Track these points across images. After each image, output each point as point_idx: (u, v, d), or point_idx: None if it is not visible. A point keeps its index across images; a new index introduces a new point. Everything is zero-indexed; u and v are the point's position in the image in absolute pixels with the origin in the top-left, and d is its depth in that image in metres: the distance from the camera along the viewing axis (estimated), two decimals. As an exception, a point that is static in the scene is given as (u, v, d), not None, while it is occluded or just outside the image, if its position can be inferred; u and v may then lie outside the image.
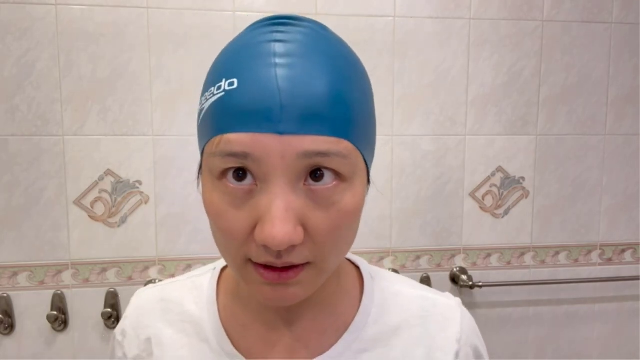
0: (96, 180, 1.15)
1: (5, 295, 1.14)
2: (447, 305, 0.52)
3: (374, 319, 0.49)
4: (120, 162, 1.16)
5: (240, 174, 0.38)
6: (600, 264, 1.36)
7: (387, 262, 1.27)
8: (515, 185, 1.31)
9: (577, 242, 1.35)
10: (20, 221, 1.14)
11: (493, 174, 1.30)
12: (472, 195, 1.29)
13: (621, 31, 1.30)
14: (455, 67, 1.25)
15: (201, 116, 0.41)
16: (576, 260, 1.35)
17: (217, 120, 0.38)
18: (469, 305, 1.31)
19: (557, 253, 1.34)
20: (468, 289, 1.28)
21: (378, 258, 1.27)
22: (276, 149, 0.36)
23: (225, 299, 0.51)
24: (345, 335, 0.47)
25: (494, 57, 1.26)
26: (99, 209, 1.16)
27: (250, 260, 0.39)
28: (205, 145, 0.40)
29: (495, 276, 1.31)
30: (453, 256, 1.30)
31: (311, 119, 0.36)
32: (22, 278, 1.15)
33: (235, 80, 0.37)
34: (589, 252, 1.36)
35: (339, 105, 0.37)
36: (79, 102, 1.13)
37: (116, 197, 1.16)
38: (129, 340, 0.51)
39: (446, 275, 1.30)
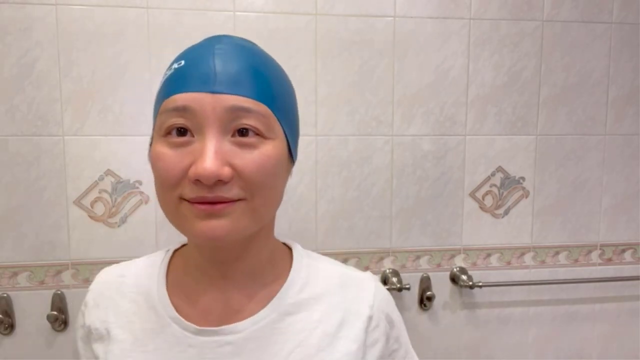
0: (96, 180, 1.15)
1: (5, 295, 1.14)
2: (363, 278, 0.61)
3: (299, 288, 0.57)
4: (120, 162, 1.16)
5: (182, 131, 0.48)
6: (600, 264, 1.36)
7: (387, 262, 1.27)
8: (515, 185, 1.31)
9: (577, 242, 1.35)
10: (20, 221, 1.14)
11: (493, 174, 1.30)
12: (472, 195, 1.30)
13: (621, 31, 1.30)
14: (455, 67, 1.25)
15: (157, 93, 0.53)
16: (576, 260, 1.35)
17: (167, 87, 0.50)
18: (469, 305, 1.31)
19: (557, 253, 1.34)
20: (468, 289, 1.28)
21: (378, 258, 1.27)
22: (209, 103, 0.47)
23: (174, 273, 0.59)
24: (273, 301, 0.55)
25: (494, 57, 1.26)
26: (99, 209, 1.16)
27: (184, 199, 0.48)
28: (157, 112, 0.51)
29: (495, 276, 1.31)
30: (453, 256, 1.30)
31: (237, 84, 0.48)
32: (22, 278, 1.15)
33: (183, 61, 0.51)
34: (589, 252, 1.36)
35: (259, 79, 0.50)
36: (79, 102, 1.13)
37: (116, 197, 1.16)
38: (89, 310, 0.59)
39: (446, 275, 1.30)
